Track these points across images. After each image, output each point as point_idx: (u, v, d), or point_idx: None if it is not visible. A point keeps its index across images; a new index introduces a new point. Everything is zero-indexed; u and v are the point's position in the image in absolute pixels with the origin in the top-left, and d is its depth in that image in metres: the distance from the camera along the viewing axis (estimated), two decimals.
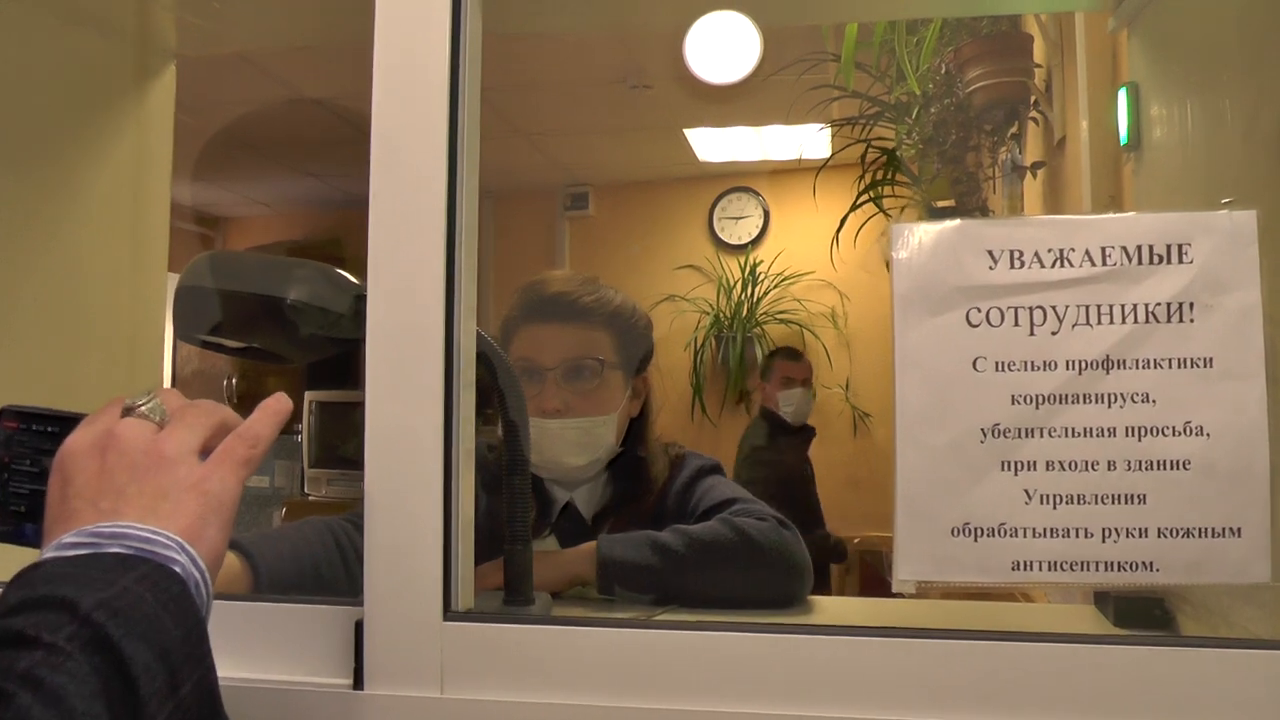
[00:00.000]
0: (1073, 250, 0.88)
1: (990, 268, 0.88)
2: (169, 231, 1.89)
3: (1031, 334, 0.87)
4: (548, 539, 1.62)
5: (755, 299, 5.60)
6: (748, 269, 5.60)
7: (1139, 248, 0.87)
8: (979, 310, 0.88)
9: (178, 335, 1.24)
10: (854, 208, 3.43)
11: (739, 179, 5.76)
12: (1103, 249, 0.87)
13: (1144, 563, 0.86)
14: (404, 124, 0.97)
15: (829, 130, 4.16)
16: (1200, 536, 0.85)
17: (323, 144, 4.12)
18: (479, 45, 1.01)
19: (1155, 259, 0.87)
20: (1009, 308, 0.88)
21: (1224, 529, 0.85)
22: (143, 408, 0.75)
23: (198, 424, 0.75)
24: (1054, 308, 0.87)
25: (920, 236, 0.89)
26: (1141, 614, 1.15)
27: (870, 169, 3.35)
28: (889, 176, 3.28)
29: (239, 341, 1.21)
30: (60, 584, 0.63)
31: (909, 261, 0.89)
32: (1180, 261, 0.87)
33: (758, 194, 5.75)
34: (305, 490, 4.77)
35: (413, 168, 0.96)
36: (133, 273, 1.84)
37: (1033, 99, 2.35)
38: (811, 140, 4.40)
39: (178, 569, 0.67)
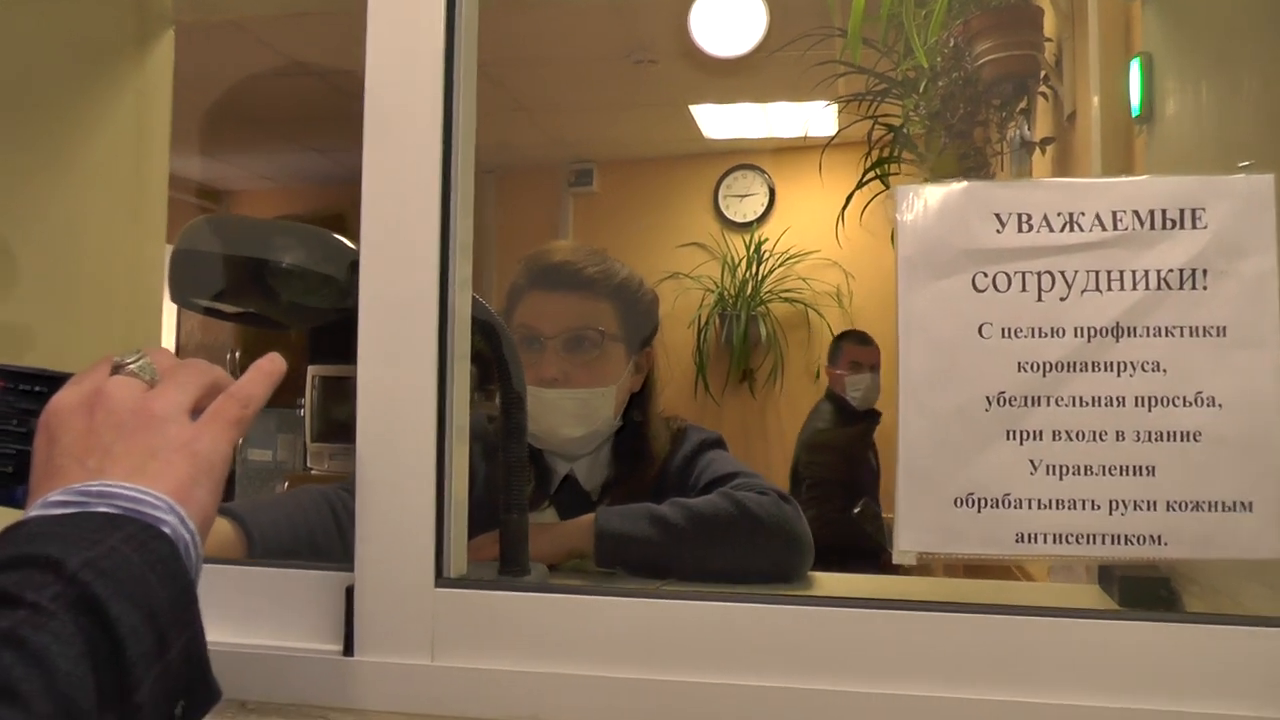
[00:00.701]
0: (1083, 214, 0.85)
1: (998, 231, 0.86)
2: (167, 198, 1.87)
3: (1039, 300, 0.85)
4: (547, 510, 1.61)
5: (760, 277, 5.58)
6: (752, 247, 5.58)
7: (1151, 212, 0.85)
8: (985, 275, 0.86)
9: (173, 299, 1.23)
10: (860, 185, 3.41)
11: (745, 156, 5.73)
12: (1114, 213, 0.85)
13: (1152, 536, 0.84)
14: (398, 91, 0.95)
15: (835, 107, 4.13)
16: (1210, 510, 0.83)
17: (325, 118, 4.09)
18: (475, 11, 0.99)
19: (1168, 223, 0.85)
20: (1016, 272, 0.85)
21: (1235, 503, 0.83)
22: (132, 366, 0.73)
23: (189, 383, 0.73)
24: (1063, 273, 0.85)
25: (926, 198, 0.87)
26: (1147, 593, 1.13)
27: (876, 146, 3.32)
28: (895, 154, 3.25)
29: (235, 306, 1.20)
30: (45, 542, 0.61)
31: (914, 224, 0.87)
32: (1194, 226, 0.84)
33: (763, 171, 5.73)
34: (308, 464, 4.76)
35: (407, 135, 0.95)
36: (131, 240, 1.83)
37: (1042, 73, 2.32)
38: (817, 117, 4.37)
39: (167, 530, 0.65)
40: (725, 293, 5.59)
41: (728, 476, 1.56)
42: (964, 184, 0.87)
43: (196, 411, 0.73)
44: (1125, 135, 1.74)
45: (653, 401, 1.69)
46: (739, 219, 5.75)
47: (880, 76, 3.17)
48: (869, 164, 3.36)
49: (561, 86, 5.03)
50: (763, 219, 5.70)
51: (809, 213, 5.29)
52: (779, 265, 5.54)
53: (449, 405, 0.94)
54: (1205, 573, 1.14)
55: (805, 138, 4.71)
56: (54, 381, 0.75)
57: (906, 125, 3.12)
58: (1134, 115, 1.57)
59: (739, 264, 5.60)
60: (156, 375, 0.74)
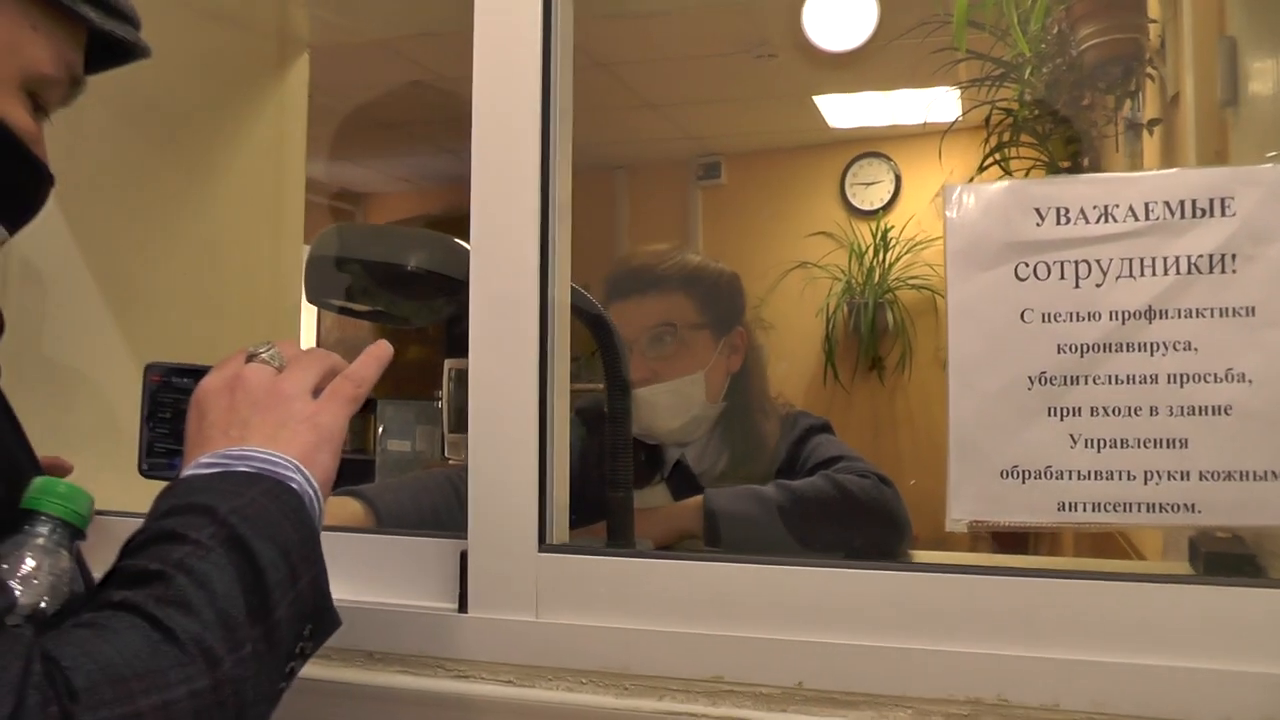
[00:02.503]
0: (1116, 206, 0.92)
1: (1037, 224, 0.93)
2: (304, 207, 2.02)
3: (1076, 286, 0.92)
4: (659, 491, 1.69)
5: (887, 264, 5.57)
6: (879, 234, 5.57)
7: (1181, 202, 0.91)
8: (1026, 265, 0.93)
9: (309, 300, 1.36)
10: (980, 169, 3.42)
11: (870, 144, 5.71)
12: (1146, 204, 0.92)
13: (1186, 505, 0.91)
14: (500, 104, 1.07)
15: (958, 92, 4.12)
16: (1242, 479, 0.90)
17: (457, 121, 4.23)
18: (570, 31, 1.10)
19: (1198, 213, 0.91)
20: (1055, 262, 0.93)
21: (1266, 472, 0.89)
22: (264, 355, 0.87)
23: (311, 367, 0.88)
24: (1098, 261, 0.92)
25: (971, 197, 0.95)
26: (1231, 569, 1.17)
27: (995, 131, 3.32)
28: (1014, 138, 3.26)
29: (365, 306, 1.33)
30: (201, 494, 0.76)
31: (960, 221, 0.95)
32: (1223, 215, 0.91)
33: (889, 159, 5.71)
34: (445, 454, 4.93)
35: (508, 144, 1.06)
36: (272, 246, 1.97)
37: (1147, 55, 2.33)
38: (938, 104, 4.36)
39: (295, 486, 0.79)
40: (853, 281, 5.59)
41: (832, 460, 1.62)
42: (1005, 182, 0.95)
43: (318, 391, 0.87)
44: (1218, 117, 1.76)
45: (754, 381, 1.74)
46: (865, 206, 5.73)
47: (996, 61, 3.18)
48: (988, 149, 3.37)
49: (686, 83, 5.10)
50: (889, 206, 5.68)
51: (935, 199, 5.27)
52: (906, 252, 5.50)
53: (550, 389, 1.05)
54: None
55: (924, 125, 4.71)
56: (199, 373, 0.90)
57: (1019, 111, 3.13)
58: (1219, 98, 1.60)
59: (866, 251, 5.59)
60: (284, 362, 0.88)
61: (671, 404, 1.62)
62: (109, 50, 0.92)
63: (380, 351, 0.91)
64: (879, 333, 5.54)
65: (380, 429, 5.43)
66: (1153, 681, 0.87)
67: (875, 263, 5.58)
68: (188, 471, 0.80)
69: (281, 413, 0.83)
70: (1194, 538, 1.18)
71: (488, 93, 1.07)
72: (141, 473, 0.99)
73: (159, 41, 0.98)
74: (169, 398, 0.97)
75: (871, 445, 5.17)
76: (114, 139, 1.61)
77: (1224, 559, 1.16)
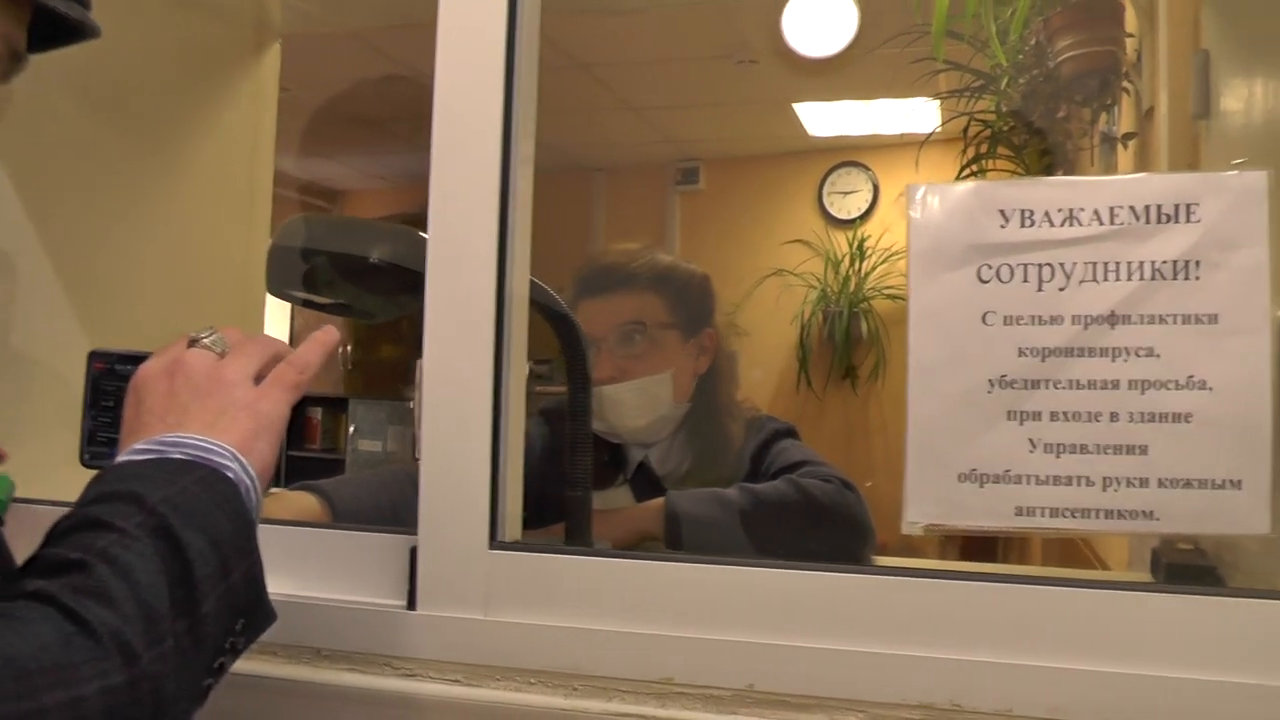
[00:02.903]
0: (1082, 210, 0.91)
1: (1001, 226, 0.92)
2: (272, 199, 2.00)
3: (1039, 290, 0.91)
4: (622, 492, 1.68)
5: (863, 274, 5.58)
6: (855, 244, 5.59)
7: (1147, 207, 0.90)
8: (990, 267, 0.92)
9: (270, 290, 1.34)
10: (957, 180, 3.42)
11: (848, 153, 5.73)
12: (1111, 209, 0.91)
13: (1144, 511, 0.89)
14: (462, 96, 1.05)
15: (937, 103, 4.14)
16: (1201, 487, 0.89)
17: (432, 118, 4.20)
18: (535, 26, 1.08)
19: (1163, 218, 0.90)
20: (1018, 264, 0.92)
21: (1225, 480, 0.88)
22: (206, 340, 0.85)
23: (254, 353, 0.86)
24: (1062, 265, 0.91)
25: (935, 198, 0.94)
26: (1192, 579, 1.17)
27: (972, 142, 3.33)
28: (991, 150, 3.26)
29: (328, 298, 1.31)
30: (131, 481, 0.74)
31: (924, 221, 0.94)
32: (1188, 221, 0.90)
33: (867, 168, 5.73)
34: (416, 455, 4.90)
35: (469, 135, 1.04)
36: (241, 237, 1.95)
37: (1124, 69, 2.33)
38: (917, 114, 4.37)
39: (230, 474, 0.77)
40: (828, 289, 5.61)
41: (797, 464, 1.61)
42: (971, 184, 0.94)
43: (261, 378, 0.85)
44: (1191, 131, 1.76)
45: (722, 383, 1.73)
46: (843, 215, 5.75)
47: (974, 72, 3.18)
48: (965, 160, 3.37)
49: (667, 87, 5.10)
50: (866, 215, 5.70)
51: None
52: (882, 261, 5.53)
53: (504, 384, 1.03)
54: (1246, 559, 1.17)
55: (902, 135, 4.72)
56: (142, 360, 0.87)
57: (998, 121, 3.13)
58: (1192, 111, 1.60)
59: (842, 260, 5.61)
60: (227, 347, 0.86)
61: (638, 402, 1.61)
62: (56, 28, 0.90)
63: (326, 337, 0.89)
64: (853, 341, 5.57)
65: (352, 428, 5.41)
66: (1108, 688, 0.86)
67: (851, 271, 5.60)
68: (121, 458, 0.78)
69: (221, 399, 0.81)
70: (1156, 548, 1.17)
71: (450, 84, 1.05)
72: (83, 462, 0.97)
73: (127, 25, 0.96)
74: (112, 385, 0.95)
75: (844, 453, 5.17)
76: (77, 124, 1.58)
77: (1185, 570, 1.16)
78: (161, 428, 0.79)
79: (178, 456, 0.76)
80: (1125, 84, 2.36)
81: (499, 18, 1.04)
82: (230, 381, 0.82)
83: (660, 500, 1.52)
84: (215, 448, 0.78)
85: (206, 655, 0.72)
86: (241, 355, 0.85)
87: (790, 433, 1.73)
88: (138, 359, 0.91)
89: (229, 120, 1.92)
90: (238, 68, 1.95)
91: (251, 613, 0.76)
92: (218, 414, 0.80)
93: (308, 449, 5.66)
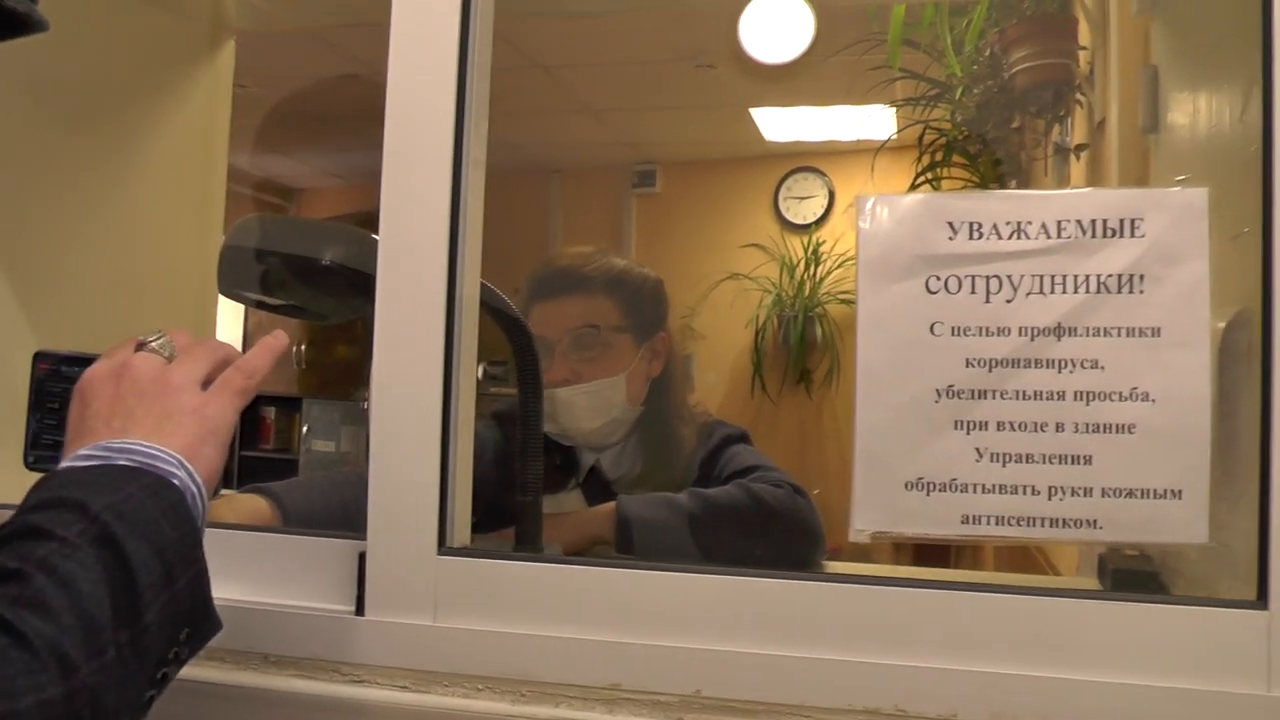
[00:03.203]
0: (1029, 223, 0.92)
1: (950, 238, 0.93)
2: (227, 197, 1.98)
3: (987, 301, 0.92)
4: (574, 496, 1.68)
5: (818, 279, 5.61)
6: (811, 249, 5.62)
7: (1093, 222, 0.92)
8: (938, 278, 0.93)
9: (221, 291, 1.33)
10: (912, 189, 3.45)
11: (805, 159, 5.76)
12: (1058, 222, 0.92)
13: (1088, 520, 0.91)
14: (414, 96, 1.04)
15: (893, 110, 4.17)
16: (1143, 497, 0.90)
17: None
18: (490, 22, 1.08)
19: (1109, 233, 0.91)
20: (966, 276, 0.93)
21: (1166, 490, 0.90)
22: (154, 344, 0.84)
23: (202, 358, 0.85)
24: (1009, 277, 0.92)
25: (885, 209, 0.95)
26: (1137, 585, 1.19)
27: (928, 150, 3.36)
28: (946, 158, 3.29)
29: (280, 300, 1.30)
30: (74, 488, 0.73)
31: (873, 231, 0.95)
32: (1133, 235, 0.91)
33: (823, 174, 5.76)
34: (369, 456, 4.87)
35: (421, 135, 1.04)
36: (195, 235, 1.93)
37: (1077, 82, 2.36)
38: (874, 121, 4.40)
39: (176, 481, 0.76)
40: (783, 294, 5.63)
41: (748, 469, 1.62)
42: (920, 195, 0.94)
43: (209, 382, 0.84)
44: (1141, 144, 1.78)
45: (674, 387, 1.74)
46: (799, 220, 5.78)
47: (930, 81, 3.21)
48: (920, 168, 3.40)
49: (625, 90, 5.11)
50: (822, 221, 5.73)
51: None
52: (837, 267, 5.56)
53: (455, 387, 1.03)
54: (1189, 566, 1.19)
55: (858, 142, 4.75)
56: (89, 362, 0.87)
57: (954, 130, 3.17)
58: (1140, 125, 1.62)
59: (797, 265, 5.63)
60: (175, 351, 0.85)
61: (591, 405, 1.62)
62: (1, 21, 0.88)
63: (274, 342, 0.89)
64: (808, 346, 5.59)
65: (305, 429, 5.37)
66: (1050, 693, 0.87)
67: (806, 276, 5.62)
68: (65, 463, 0.77)
69: (168, 404, 0.80)
70: (1103, 555, 1.19)
71: (402, 85, 1.05)
72: (27, 465, 0.95)
73: (77, 19, 0.95)
74: (58, 387, 0.94)
75: (797, 457, 5.20)
76: (25, 120, 1.56)
77: (1130, 575, 1.18)
78: (107, 433, 0.78)
79: (123, 463, 0.76)
80: (1078, 96, 2.40)
81: (452, 20, 1.04)
82: (177, 386, 0.82)
83: (611, 504, 1.52)
84: (161, 454, 0.77)
85: (149, 666, 0.71)
86: (189, 359, 0.84)
87: (742, 438, 1.74)
88: (84, 361, 0.90)
89: (183, 117, 1.90)
90: (192, 64, 1.93)
91: (196, 622, 0.75)
92: (164, 419, 0.79)
93: (261, 449, 5.62)
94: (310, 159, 5.94)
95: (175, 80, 1.89)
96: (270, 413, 5.69)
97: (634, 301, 1.69)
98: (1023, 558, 2.62)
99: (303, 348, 5.56)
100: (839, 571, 1.32)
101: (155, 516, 0.73)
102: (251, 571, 1.06)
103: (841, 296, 5.52)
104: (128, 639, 0.68)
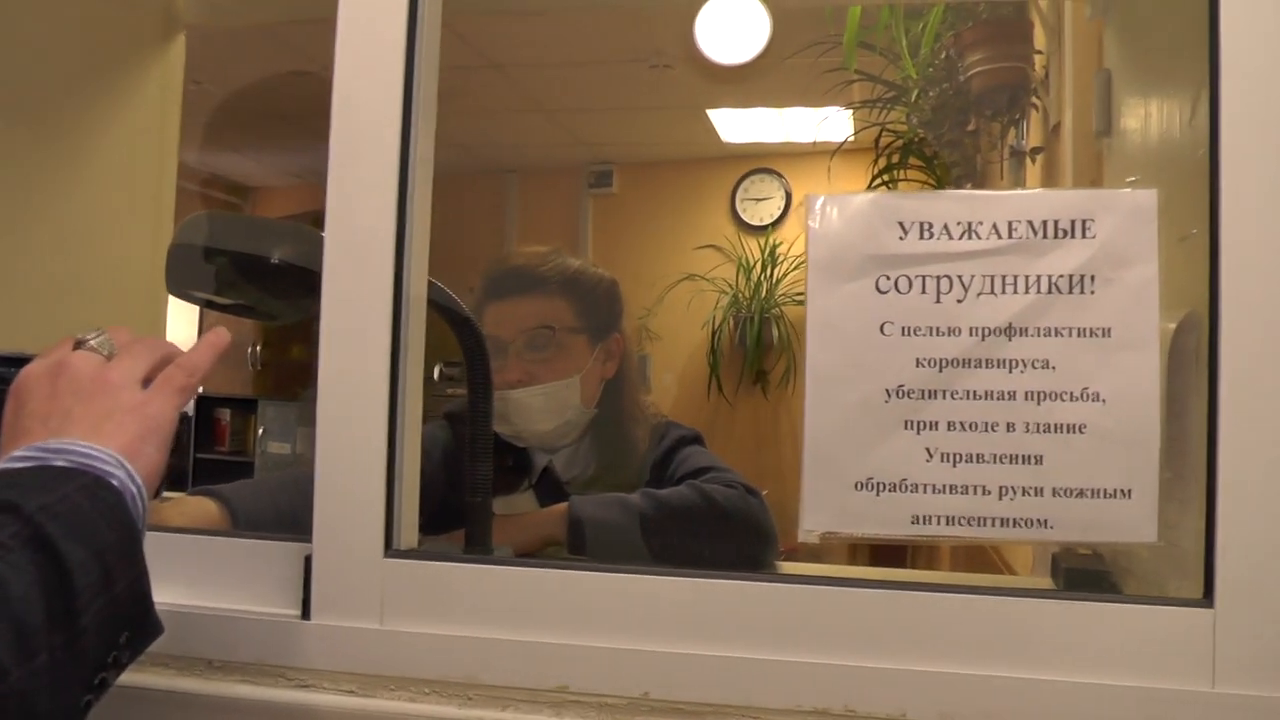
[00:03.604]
0: (980, 224, 0.92)
1: (900, 238, 0.93)
2: (178, 194, 1.95)
3: (938, 301, 0.92)
4: (527, 498, 1.67)
5: (775, 280, 5.63)
6: (767, 250, 5.63)
7: (1044, 223, 0.92)
8: (888, 278, 0.93)
9: (169, 290, 1.30)
10: (868, 190, 3.46)
11: (761, 160, 5.78)
12: (1009, 223, 0.92)
13: (1039, 520, 0.91)
14: (361, 92, 1.03)
15: (850, 113, 4.18)
16: (1093, 497, 0.90)
17: None
18: (437, 22, 1.07)
19: (1060, 234, 0.92)
20: (917, 276, 0.93)
21: (1116, 490, 0.90)
22: (92, 341, 0.82)
23: (142, 356, 0.83)
24: (960, 277, 0.92)
25: (834, 208, 0.95)
26: (1089, 584, 1.19)
27: (885, 152, 3.37)
28: (903, 160, 3.31)
29: (229, 299, 1.27)
30: (7, 490, 0.70)
31: (822, 231, 0.94)
32: (1084, 236, 0.91)
33: (780, 175, 5.78)
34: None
35: (367, 132, 1.03)
36: (146, 233, 1.90)
37: (1032, 85, 2.38)
38: (830, 123, 4.42)
39: (115, 482, 0.74)
40: (740, 295, 5.64)
41: (701, 470, 1.62)
42: (871, 195, 0.94)
43: (149, 380, 0.83)
44: (1095, 147, 1.80)
45: (628, 388, 1.73)
46: (755, 222, 5.80)
47: (886, 84, 3.23)
48: (876, 170, 3.42)
49: (581, 89, 5.09)
50: (779, 222, 5.75)
51: None
52: (794, 268, 5.58)
53: (401, 389, 1.01)
54: (1140, 565, 1.20)
55: (814, 144, 4.76)
56: (25, 362, 0.85)
57: (910, 132, 3.18)
58: (1095, 128, 1.64)
59: (754, 267, 5.65)
60: (114, 349, 0.83)
61: (545, 407, 1.61)
62: None
63: (216, 339, 0.87)
64: (764, 347, 5.60)
65: (261, 430, 5.32)
66: (1000, 692, 0.87)
67: (763, 278, 5.64)
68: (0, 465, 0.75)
69: (107, 403, 0.78)
70: (1056, 554, 1.19)
71: (349, 82, 1.04)
72: None
73: (23, 10, 0.93)
74: None
75: (753, 458, 5.21)
76: None
77: (1083, 575, 1.19)
78: (43, 433, 0.76)
79: (59, 463, 0.74)
80: (1033, 100, 2.41)
81: (399, 17, 1.03)
82: (116, 384, 0.80)
83: (563, 505, 1.52)
84: (99, 454, 0.75)
85: (86, 670, 0.69)
86: (129, 357, 0.82)
87: (695, 439, 1.74)
88: (20, 361, 0.88)
89: (132, 112, 1.87)
90: (141, 58, 1.90)
91: (137, 625, 0.73)
92: (103, 418, 0.77)
93: (217, 451, 5.56)
94: (264, 157, 5.89)
95: (124, 74, 1.87)
96: (225, 414, 5.63)
97: (589, 302, 1.68)
98: (978, 557, 2.63)
99: (258, 348, 5.50)
100: (790, 572, 1.31)
101: (93, 518, 0.71)
102: (195, 575, 1.04)
103: (798, 298, 5.52)
104: (62, 642, 0.66)
